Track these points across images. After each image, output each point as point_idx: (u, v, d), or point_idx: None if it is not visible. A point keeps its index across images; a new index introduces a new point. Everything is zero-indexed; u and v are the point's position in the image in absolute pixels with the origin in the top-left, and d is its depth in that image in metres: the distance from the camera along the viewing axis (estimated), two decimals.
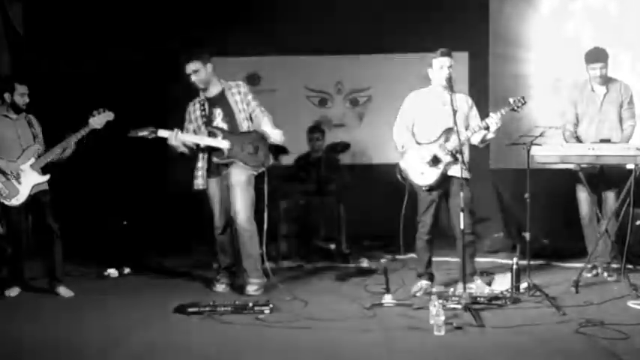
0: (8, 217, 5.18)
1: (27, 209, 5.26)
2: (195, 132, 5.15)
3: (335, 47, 7.54)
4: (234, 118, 5.12)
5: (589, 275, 5.41)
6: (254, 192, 5.16)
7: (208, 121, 5.11)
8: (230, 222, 5.20)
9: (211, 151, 5.11)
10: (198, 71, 5.07)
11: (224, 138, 5.05)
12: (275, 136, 5.11)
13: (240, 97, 5.17)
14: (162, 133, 5.07)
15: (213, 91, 5.16)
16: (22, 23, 7.24)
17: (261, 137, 5.13)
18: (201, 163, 5.17)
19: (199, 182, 5.18)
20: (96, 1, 7.37)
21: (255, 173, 5.15)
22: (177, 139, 5.03)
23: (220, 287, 5.26)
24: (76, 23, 7.28)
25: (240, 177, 5.08)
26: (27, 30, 7.27)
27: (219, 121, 5.12)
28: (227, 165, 5.11)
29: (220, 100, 5.15)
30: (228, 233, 5.26)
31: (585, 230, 5.56)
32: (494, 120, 4.86)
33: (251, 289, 5.07)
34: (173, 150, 5.11)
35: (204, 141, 5.09)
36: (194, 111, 5.19)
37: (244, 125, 5.14)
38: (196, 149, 5.14)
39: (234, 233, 5.21)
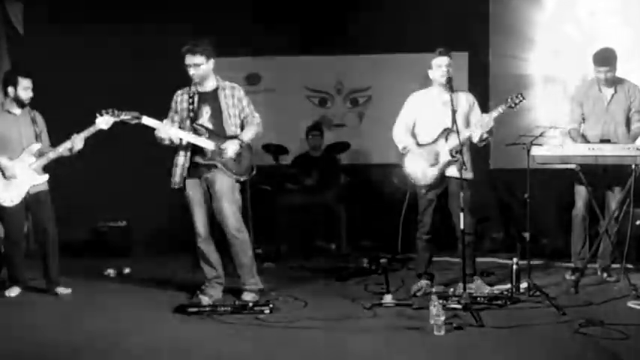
0: (5, 218, 5.16)
1: (26, 209, 5.23)
2: (179, 124, 4.86)
3: (335, 47, 7.54)
4: (222, 119, 4.85)
5: (572, 278, 5.27)
6: (240, 197, 4.95)
7: (195, 116, 4.83)
8: (212, 228, 4.94)
9: (194, 149, 4.84)
10: (199, 66, 4.78)
11: (209, 138, 4.80)
12: (243, 137, 4.86)
13: (232, 100, 4.90)
14: (148, 121, 4.78)
15: (207, 86, 4.89)
16: (22, 23, 7.24)
17: (247, 146, 4.90)
18: (182, 161, 4.86)
19: (176, 180, 4.86)
20: (96, 1, 7.37)
21: (238, 181, 4.90)
22: (166, 131, 4.77)
23: (204, 300, 4.81)
24: (75, 23, 7.27)
25: (223, 184, 4.83)
26: (27, 30, 7.27)
27: (205, 119, 4.84)
28: (208, 167, 4.85)
29: (211, 98, 4.88)
30: (211, 241, 4.96)
31: (575, 228, 5.47)
32: (487, 119, 4.87)
33: (248, 297, 4.87)
34: (160, 140, 4.83)
35: (191, 138, 4.79)
36: (181, 102, 4.91)
37: (232, 130, 4.87)
38: (179, 144, 4.84)
39: (227, 241, 4.94)
